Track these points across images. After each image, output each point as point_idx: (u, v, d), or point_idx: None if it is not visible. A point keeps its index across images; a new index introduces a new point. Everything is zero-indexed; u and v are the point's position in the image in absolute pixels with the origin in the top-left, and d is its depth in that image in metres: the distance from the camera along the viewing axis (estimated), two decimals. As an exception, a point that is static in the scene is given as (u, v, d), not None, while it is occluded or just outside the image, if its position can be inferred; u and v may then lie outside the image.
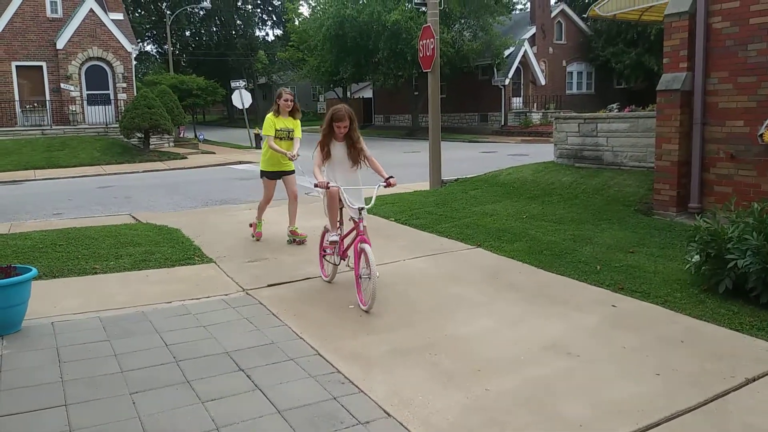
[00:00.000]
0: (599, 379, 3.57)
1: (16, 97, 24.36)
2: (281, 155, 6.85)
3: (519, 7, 45.18)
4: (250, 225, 7.40)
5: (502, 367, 3.73)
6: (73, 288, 5.41)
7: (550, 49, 34.28)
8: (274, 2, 59.25)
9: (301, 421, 3.11)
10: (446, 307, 4.83)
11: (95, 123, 24.79)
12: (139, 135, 22.05)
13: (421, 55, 11.15)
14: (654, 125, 8.04)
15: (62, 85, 24.66)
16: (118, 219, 8.98)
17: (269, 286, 5.46)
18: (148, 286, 5.47)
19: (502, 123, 32.20)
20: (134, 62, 27.06)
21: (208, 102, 35.36)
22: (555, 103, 32.89)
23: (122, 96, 25.50)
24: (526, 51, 32.15)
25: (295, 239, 7.04)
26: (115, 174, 17.87)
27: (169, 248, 6.71)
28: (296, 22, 39.62)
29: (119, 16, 27.07)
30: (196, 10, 52.54)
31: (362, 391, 3.43)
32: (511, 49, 31.29)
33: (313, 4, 34.43)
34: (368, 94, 44.65)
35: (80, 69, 25.03)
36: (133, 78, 26.38)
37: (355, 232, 4.96)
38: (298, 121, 7.03)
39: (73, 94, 24.80)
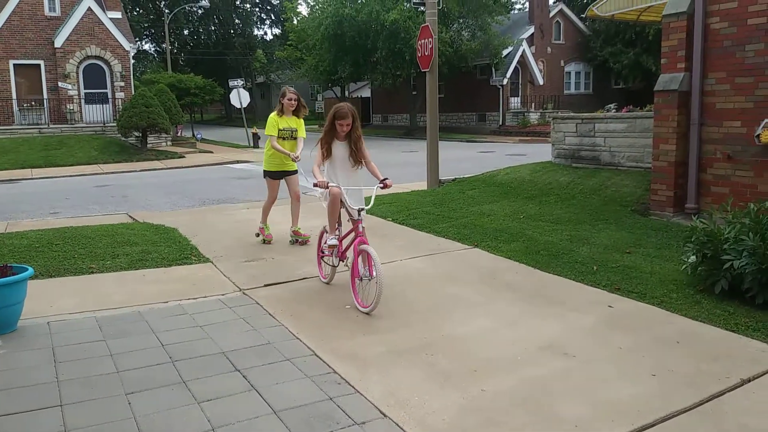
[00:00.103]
0: (596, 379, 3.57)
1: (14, 96, 24.32)
2: (284, 155, 6.79)
3: (518, 6, 45.26)
4: (257, 235, 7.21)
5: (499, 368, 3.73)
6: (70, 287, 5.40)
7: (549, 49, 34.30)
8: (272, 1, 59.24)
9: (297, 422, 3.10)
10: (443, 308, 4.83)
11: (93, 122, 24.76)
12: (136, 134, 22.04)
13: (420, 55, 11.14)
14: (651, 125, 8.05)
15: (60, 83, 24.63)
16: (115, 218, 8.97)
17: (266, 286, 5.46)
18: (145, 286, 5.46)
19: (500, 123, 32.23)
20: (132, 61, 27.02)
21: (206, 101, 35.36)
22: (553, 103, 32.92)
23: (120, 95, 25.47)
24: (524, 51, 32.18)
25: (298, 239, 6.99)
26: (113, 173, 17.85)
27: (166, 248, 6.71)
28: (295, 21, 39.64)
29: (117, 15, 27.03)
30: (195, 9, 52.50)
31: (358, 392, 3.43)
32: (510, 48, 31.31)
33: (312, 4, 34.41)
34: (366, 93, 44.66)
35: (78, 68, 24.99)
36: (131, 77, 26.35)
37: (354, 233, 4.93)
38: (302, 121, 6.95)
39: (71, 92, 24.76)
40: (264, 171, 7.12)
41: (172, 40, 50.81)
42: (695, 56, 7.26)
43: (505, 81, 31.79)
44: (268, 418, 3.14)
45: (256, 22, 60.83)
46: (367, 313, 4.63)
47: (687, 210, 7.48)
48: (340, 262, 5.27)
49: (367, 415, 3.19)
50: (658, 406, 3.23)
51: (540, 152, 16.48)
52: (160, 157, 21.54)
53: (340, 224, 5.29)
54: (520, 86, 33.58)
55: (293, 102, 6.79)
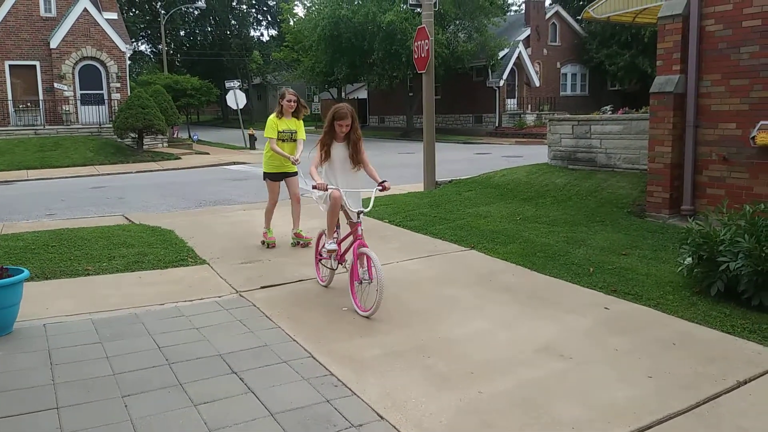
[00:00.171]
0: (592, 381, 3.58)
1: (9, 97, 24.24)
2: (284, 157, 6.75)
3: (514, 8, 45.40)
4: (263, 242, 7.01)
5: (496, 370, 3.73)
6: (66, 290, 5.38)
7: (545, 51, 34.39)
8: (269, 2, 59.20)
9: (294, 424, 3.10)
10: (440, 309, 4.83)
11: (89, 123, 24.69)
12: (132, 135, 21.99)
13: (416, 56, 11.15)
14: (647, 127, 8.07)
15: (56, 84, 24.56)
16: (111, 220, 8.95)
17: (263, 288, 5.45)
18: (141, 288, 5.44)
19: (497, 124, 32.28)
20: (128, 62, 26.94)
21: (202, 102, 35.29)
22: (549, 104, 33.00)
23: (116, 96, 25.40)
24: (520, 52, 32.24)
25: (300, 242, 6.93)
26: (109, 174, 17.81)
27: (162, 249, 6.69)
28: (291, 23, 39.64)
29: (113, 16, 26.97)
30: (191, 10, 52.44)
31: (355, 394, 3.43)
32: (506, 50, 31.38)
33: (308, 5, 34.46)
34: (363, 94, 44.68)
35: (74, 68, 24.92)
36: (127, 78, 26.28)
37: (353, 236, 4.89)
38: (302, 122, 6.90)
39: (67, 93, 24.69)
40: (264, 173, 7.06)
41: (169, 41, 50.77)
42: (690, 58, 7.28)
43: (501, 82, 31.85)
44: (264, 421, 3.14)
45: (253, 23, 60.81)
46: (366, 317, 4.58)
47: (683, 212, 7.50)
48: (339, 265, 5.21)
49: (363, 417, 3.19)
50: (654, 408, 3.24)
51: (536, 154, 16.52)
52: (157, 158, 21.49)
53: (338, 227, 5.23)
54: (516, 88, 33.65)
55: (292, 104, 6.75)
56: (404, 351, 4.02)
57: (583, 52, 35.40)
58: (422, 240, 7.18)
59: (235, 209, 9.99)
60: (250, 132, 27.07)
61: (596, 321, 4.51)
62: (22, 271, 4.45)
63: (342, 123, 5.04)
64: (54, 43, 24.31)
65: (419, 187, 11.31)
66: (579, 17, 30.05)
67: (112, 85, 25.56)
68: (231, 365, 3.81)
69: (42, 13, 24.67)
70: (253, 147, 26.54)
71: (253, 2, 58.59)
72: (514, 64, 32.36)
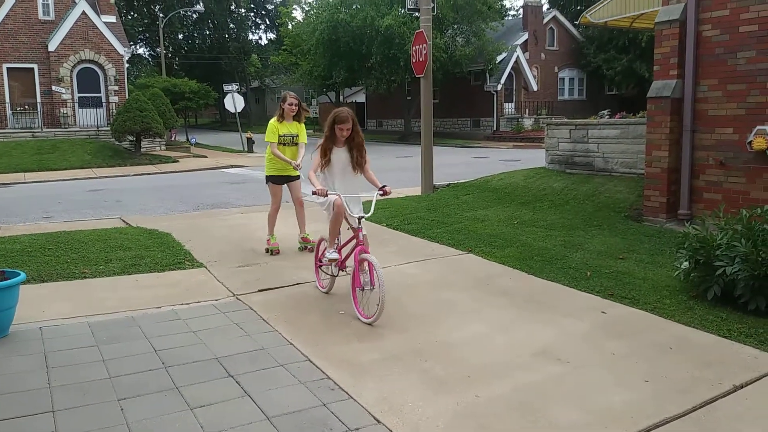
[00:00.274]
0: (589, 385, 3.58)
1: (7, 99, 24.24)
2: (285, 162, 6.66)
3: (512, 13, 45.51)
4: (266, 249, 6.83)
5: (493, 373, 3.73)
6: (62, 292, 5.36)
7: (542, 55, 34.48)
8: (267, 6, 59.30)
9: (291, 428, 3.09)
10: (437, 313, 4.83)
11: (86, 126, 24.68)
12: (130, 138, 21.99)
13: (414, 61, 11.18)
14: (644, 132, 8.09)
15: (53, 87, 24.55)
16: (109, 223, 8.94)
17: (260, 291, 5.44)
18: (138, 291, 5.43)
19: (494, 128, 32.33)
20: (126, 65, 26.99)
21: (200, 105, 35.36)
22: (547, 108, 33.07)
23: (114, 99, 25.41)
24: (518, 57, 32.32)
25: (307, 246, 6.78)
26: (106, 177, 17.80)
27: (159, 252, 6.68)
28: (289, 26, 39.76)
29: (112, 19, 26.99)
30: (189, 13, 52.50)
31: (352, 398, 3.43)
32: (504, 54, 31.46)
33: (307, 9, 34.51)
34: (361, 98, 44.71)
35: (72, 71, 24.92)
36: (125, 81, 26.29)
37: (354, 242, 4.82)
38: (303, 126, 6.83)
39: (65, 96, 24.69)
40: (266, 176, 6.93)
41: (167, 44, 50.78)
42: (687, 63, 7.31)
43: (499, 87, 31.91)
44: (261, 425, 3.13)
45: (251, 27, 60.86)
46: (369, 324, 4.51)
47: (680, 216, 7.52)
48: (340, 271, 5.13)
49: (360, 421, 3.18)
50: (651, 412, 3.24)
51: (534, 158, 16.55)
52: (154, 161, 21.48)
53: (339, 234, 5.13)
54: (514, 92, 33.72)
55: (294, 107, 6.67)
56: (401, 355, 4.02)
57: (580, 56, 35.51)
58: (420, 243, 7.18)
59: (232, 212, 9.98)
60: (248, 135, 27.08)
61: (593, 325, 4.51)
62: (19, 274, 4.44)
63: (343, 127, 4.97)
64: (52, 46, 24.32)
65: (417, 190, 11.32)
66: (577, 22, 30.15)
67: (110, 88, 25.58)
68: (227, 369, 3.80)
69: (40, 16, 24.69)
70: (251, 150, 26.55)
71: (252, 6, 58.67)
72: (512, 68, 32.44)
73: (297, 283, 5.66)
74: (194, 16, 54.50)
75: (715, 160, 7.20)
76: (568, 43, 35.73)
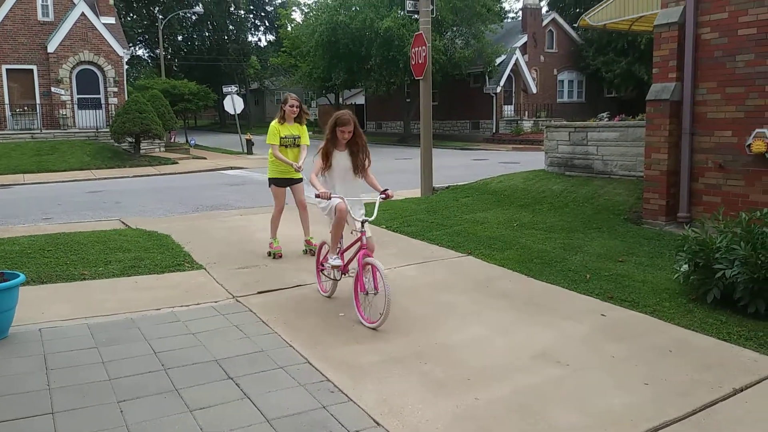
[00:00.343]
0: (589, 388, 3.58)
1: (6, 101, 24.23)
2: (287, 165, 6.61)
3: (511, 15, 45.61)
4: (268, 253, 6.78)
5: (493, 376, 3.73)
6: (62, 294, 5.36)
7: (542, 58, 34.51)
8: (266, 8, 59.33)
9: (290, 430, 3.09)
10: (437, 315, 4.83)
11: (86, 127, 24.67)
12: (129, 140, 21.98)
13: (413, 63, 11.19)
14: (643, 134, 8.10)
15: (53, 88, 24.55)
16: (108, 224, 8.92)
17: (259, 293, 5.44)
18: (137, 293, 5.43)
19: (494, 131, 32.35)
20: (126, 66, 26.97)
21: (199, 107, 35.33)
22: (546, 111, 33.09)
23: (113, 100, 25.40)
24: (517, 59, 32.35)
25: (311, 249, 6.71)
26: (105, 179, 17.79)
27: (158, 254, 6.68)
28: (289, 28, 39.79)
29: (111, 20, 26.99)
30: (189, 15, 52.47)
31: (351, 400, 3.43)
32: (503, 57, 31.48)
33: (306, 11, 34.57)
34: (360, 100, 44.72)
35: (71, 73, 24.91)
36: (125, 82, 26.29)
37: (357, 245, 4.77)
38: (305, 127, 6.80)
39: (64, 98, 24.68)
40: (269, 179, 6.89)
41: (166, 45, 50.76)
42: (686, 66, 7.32)
43: (498, 89, 31.93)
44: (260, 427, 3.13)
45: (251, 29, 60.87)
46: (374, 329, 4.47)
47: (679, 219, 7.52)
48: (343, 275, 5.08)
49: (360, 423, 3.18)
50: (651, 415, 3.24)
51: (533, 160, 16.56)
52: (153, 162, 21.48)
53: (341, 238, 5.06)
54: (513, 94, 33.74)
55: (295, 109, 6.64)
56: (401, 357, 4.02)
57: (579, 59, 35.55)
58: (419, 246, 7.18)
59: (232, 214, 9.97)
60: (248, 137, 27.08)
61: (593, 328, 4.52)
62: (18, 275, 4.44)
63: (344, 129, 4.92)
64: (51, 48, 24.32)
65: (416, 192, 11.33)
66: (576, 24, 30.16)
67: (109, 89, 25.57)
68: (227, 371, 3.80)
69: (39, 17, 24.69)
70: (250, 152, 26.55)
71: (251, 8, 58.71)
72: (511, 70, 32.46)
73: (297, 286, 5.66)
74: (193, 17, 54.49)
75: (714, 163, 7.21)
76: (568, 46, 35.77)
